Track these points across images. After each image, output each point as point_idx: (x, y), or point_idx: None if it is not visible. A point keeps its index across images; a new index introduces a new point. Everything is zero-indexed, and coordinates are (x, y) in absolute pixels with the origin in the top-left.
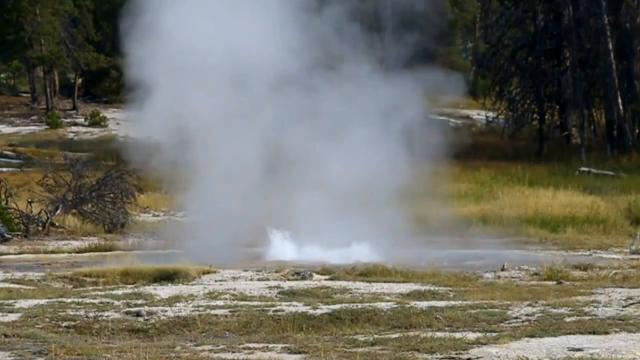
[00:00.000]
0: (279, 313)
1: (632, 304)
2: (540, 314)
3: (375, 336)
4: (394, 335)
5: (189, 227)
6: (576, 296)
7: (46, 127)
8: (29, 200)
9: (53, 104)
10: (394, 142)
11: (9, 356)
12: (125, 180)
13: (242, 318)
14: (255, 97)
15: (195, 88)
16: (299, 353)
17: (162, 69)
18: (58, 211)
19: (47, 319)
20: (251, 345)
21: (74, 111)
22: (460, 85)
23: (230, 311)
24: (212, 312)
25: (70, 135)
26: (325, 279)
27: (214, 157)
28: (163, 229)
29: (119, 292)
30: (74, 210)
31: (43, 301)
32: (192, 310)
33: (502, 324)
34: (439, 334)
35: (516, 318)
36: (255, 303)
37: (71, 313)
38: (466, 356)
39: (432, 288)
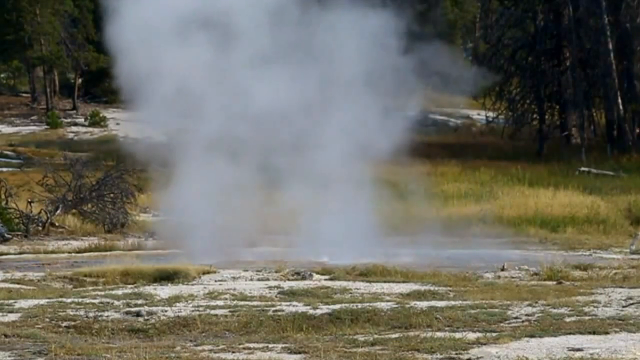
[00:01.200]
0: (279, 313)
1: (632, 304)
2: (540, 314)
3: (375, 336)
4: (394, 335)
5: (183, 227)
6: (576, 296)
7: (46, 127)
8: (29, 200)
9: (53, 104)
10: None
11: (9, 356)
12: (125, 180)
13: (242, 318)
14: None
15: (172, 47)
16: (299, 353)
17: (138, 34)
18: (58, 211)
19: (47, 319)
20: (251, 345)
21: (74, 111)
22: (465, 82)
23: (230, 311)
24: (212, 312)
25: (70, 135)
26: (325, 279)
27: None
28: (163, 228)
29: (119, 292)
30: (74, 210)
31: (43, 301)
32: (192, 310)
33: (502, 324)
34: (439, 334)
35: (516, 318)
36: (255, 303)
37: (71, 313)
38: (466, 356)
39: (432, 288)
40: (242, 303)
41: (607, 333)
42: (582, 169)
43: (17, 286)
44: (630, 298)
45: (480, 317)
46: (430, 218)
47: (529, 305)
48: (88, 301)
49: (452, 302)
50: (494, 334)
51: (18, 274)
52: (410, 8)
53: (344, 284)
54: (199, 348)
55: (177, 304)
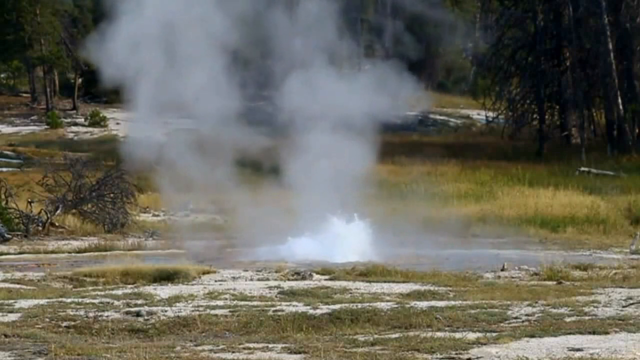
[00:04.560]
0: (279, 313)
1: (632, 304)
2: (540, 314)
3: (375, 336)
4: (394, 335)
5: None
6: (576, 296)
7: (46, 127)
8: (29, 200)
9: (53, 104)
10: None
11: (9, 356)
12: (125, 180)
13: (242, 318)
14: None
15: None
16: (299, 353)
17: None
18: (58, 211)
19: (47, 319)
20: (251, 345)
21: (74, 111)
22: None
23: (230, 311)
24: (212, 312)
25: (70, 135)
26: (325, 279)
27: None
28: (163, 228)
29: (119, 292)
30: (74, 210)
31: (43, 301)
32: (192, 310)
33: (502, 324)
34: (439, 334)
35: (516, 318)
36: (255, 303)
37: (71, 313)
38: (466, 356)
39: (432, 288)
40: (242, 303)
41: (607, 333)
42: (582, 169)
43: (17, 286)
44: (630, 298)
45: (480, 317)
46: (430, 218)
47: (529, 305)
48: (88, 301)
49: (452, 302)
50: (494, 334)
51: (18, 274)
52: None
53: (344, 284)
54: (199, 348)
55: (177, 304)
